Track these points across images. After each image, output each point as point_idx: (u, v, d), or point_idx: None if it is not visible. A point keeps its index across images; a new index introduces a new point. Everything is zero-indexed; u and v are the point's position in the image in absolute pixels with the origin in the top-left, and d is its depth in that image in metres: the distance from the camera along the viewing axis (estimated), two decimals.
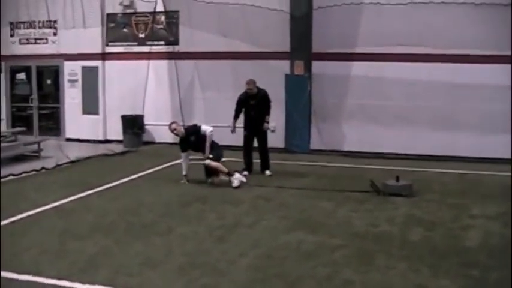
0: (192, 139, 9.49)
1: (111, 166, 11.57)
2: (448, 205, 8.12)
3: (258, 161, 10.59)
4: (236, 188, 9.13)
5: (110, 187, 9.35)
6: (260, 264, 5.58)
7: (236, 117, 10.39)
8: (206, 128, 9.54)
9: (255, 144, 10.47)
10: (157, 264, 5.61)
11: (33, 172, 10.66)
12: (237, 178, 9.26)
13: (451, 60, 11.95)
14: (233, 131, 10.36)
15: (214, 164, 9.39)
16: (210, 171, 9.47)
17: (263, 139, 10.39)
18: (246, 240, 6.37)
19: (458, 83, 11.99)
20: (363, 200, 8.40)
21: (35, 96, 15.82)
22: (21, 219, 7.30)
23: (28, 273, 5.28)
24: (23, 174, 10.40)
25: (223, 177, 9.36)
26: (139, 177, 10.32)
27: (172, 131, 9.68)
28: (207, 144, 9.46)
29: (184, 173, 9.54)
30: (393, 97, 12.56)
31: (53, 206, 8.02)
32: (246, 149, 10.44)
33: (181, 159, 9.77)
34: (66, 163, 11.69)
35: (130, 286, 5.04)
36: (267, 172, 10.32)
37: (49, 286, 5.04)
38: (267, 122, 10.26)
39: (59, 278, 5.17)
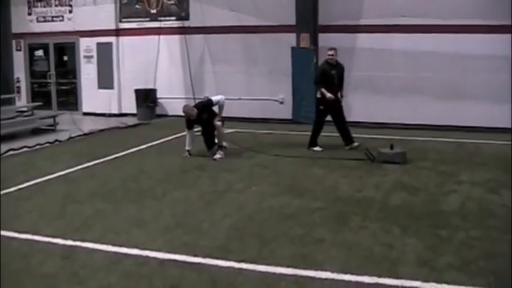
0: (204, 116, 9.40)
1: (122, 138, 12.03)
2: (438, 172, 8.33)
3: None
4: (215, 160, 9.26)
5: (117, 157, 9.80)
6: (240, 225, 5.95)
7: (323, 86, 9.81)
8: (218, 99, 9.54)
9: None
10: (145, 224, 6.04)
11: (47, 144, 11.16)
12: (222, 154, 9.39)
13: (455, 31, 11.97)
14: (331, 96, 9.73)
15: (222, 130, 9.50)
16: (211, 142, 9.66)
17: (341, 112, 10.12)
18: (232, 204, 6.75)
19: (462, 53, 12.01)
20: (356, 167, 8.67)
21: (52, 72, 16.36)
22: (29, 186, 7.80)
23: (27, 232, 5.78)
24: (37, 146, 10.89)
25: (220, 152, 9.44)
26: (146, 147, 10.76)
27: (186, 115, 9.52)
28: (221, 111, 9.51)
29: (187, 147, 9.59)
30: (398, 68, 12.68)
31: (60, 174, 8.50)
32: (320, 122, 10.10)
33: (187, 135, 9.73)
34: (80, 135, 12.19)
35: (116, 243, 5.46)
36: (354, 144, 10.05)
37: (44, 243, 5.52)
38: (342, 96, 10.12)
39: (54, 237, 5.66)
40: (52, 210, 6.62)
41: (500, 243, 5.30)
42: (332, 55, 9.91)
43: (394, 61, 12.69)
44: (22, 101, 16.43)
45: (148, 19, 15.04)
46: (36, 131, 12.76)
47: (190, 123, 9.55)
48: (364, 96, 13.08)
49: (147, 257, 5.12)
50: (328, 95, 9.81)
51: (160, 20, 14.85)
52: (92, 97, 15.79)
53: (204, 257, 5.07)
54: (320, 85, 9.89)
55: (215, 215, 6.31)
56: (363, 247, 5.24)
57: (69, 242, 5.51)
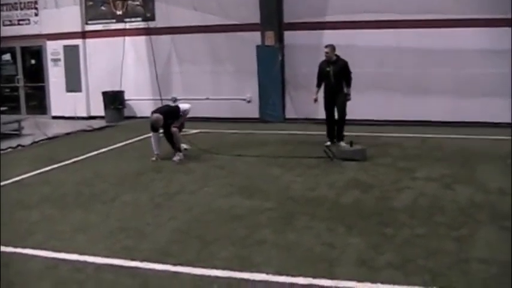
0: (169, 122, 9.32)
1: (85, 141, 11.87)
2: (397, 168, 8.30)
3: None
4: (176, 162, 9.16)
5: (76, 161, 9.67)
6: (185, 227, 5.86)
7: (318, 85, 10.08)
8: (186, 108, 9.62)
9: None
10: (89, 229, 5.95)
11: (9, 149, 10.98)
12: (180, 156, 9.30)
13: (418, 26, 11.96)
14: (316, 100, 10.06)
15: (179, 134, 9.51)
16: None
17: (340, 110, 9.91)
18: (181, 206, 6.66)
19: (427, 48, 12.00)
20: (314, 165, 8.60)
21: (20, 76, 16.14)
22: None
23: None
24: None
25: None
26: (108, 150, 10.63)
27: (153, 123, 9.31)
28: (184, 119, 9.63)
29: (156, 151, 9.35)
30: (364, 65, 12.58)
31: (15, 180, 8.35)
32: (327, 118, 10.16)
33: (152, 138, 9.46)
34: (43, 140, 12.01)
35: (56, 248, 5.36)
36: (342, 144, 9.76)
37: None
38: (348, 94, 9.88)
39: None
40: None
41: (445, 240, 5.26)
42: (327, 52, 9.84)
43: (359, 57, 12.61)
44: None
45: (114, 21, 14.89)
46: (2, 136, 12.52)
47: (155, 126, 9.40)
48: None
49: (85, 262, 5.04)
50: (314, 96, 9.95)
51: (126, 22, 14.68)
52: (61, 100, 15.59)
53: (142, 260, 4.99)
54: (317, 82, 10.05)
55: (161, 218, 6.22)
56: (304, 247, 5.18)
57: (9, 249, 5.40)
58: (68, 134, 12.76)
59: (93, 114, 15.34)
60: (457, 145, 9.95)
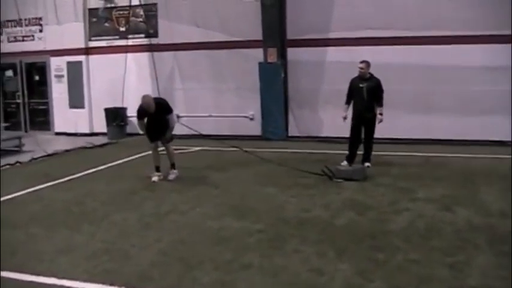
0: (157, 116, 8.79)
1: (85, 158, 11.74)
2: (396, 188, 8.07)
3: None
4: (170, 180, 8.97)
5: (71, 179, 9.51)
6: (170, 250, 5.67)
7: (347, 102, 9.62)
8: (174, 118, 9.37)
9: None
10: (73, 251, 5.77)
11: (7, 166, 10.88)
12: (175, 173, 9.14)
13: (421, 43, 11.78)
14: (345, 118, 9.59)
15: (171, 148, 9.24)
16: (154, 136, 9.07)
17: (369, 129, 9.51)
18: (170, 227, 6.48)
19: (430, 64, 11.81)
20: (311, 185, 8.39)
21: (20, 92, 16.13)
22: None
23: None
24: None
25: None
26: (105, 168, 10.49)
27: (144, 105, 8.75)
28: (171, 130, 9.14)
29: (156, 164, 9.08)
30: None
31: (7, 198, 8.20)
32: (352, 138, 9.66)
33: (138, 125, 9.19)
34: (43, 156, 11.91)
35: (35, 271, 5.18)
36: (366, 164, 9.47)
37: None
38: (381, 114, 9.37)
39: None
40: None
41: (439, 266, 5.01)
42: (362, 68, 9.37)
43: None
44: None
45: (117, 37, 14.84)
46: (2, 153, 12.45)
47: (142, 114, 8.88)
48: (335, 110, 12.60)
49: (62, 286, 4.87)
50: (343, 114, 9.55)
51: (129, 38, 14.63)
52: (64, 116, 15.54)
53: (121, 285, 4.79)
54: (347, 99, 9.60)
55: (147, 239, 6.03)
56: (291, 273, 4.96)
57: None
58: (67, 151, 12.64)
59: (95, 130, 15.25)
60: (460, 164, 9.72)
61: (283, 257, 5.37)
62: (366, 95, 9.33)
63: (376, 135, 12.16)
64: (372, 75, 9.46)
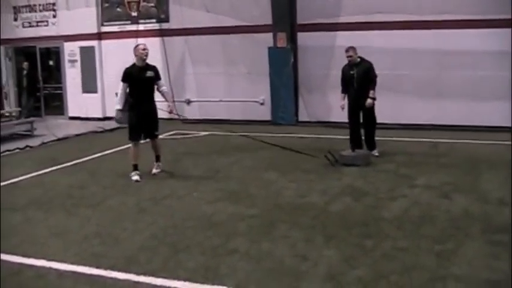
0: (148, 75, 8.17)
1: (94, 142, 11.86)
2: (397, 175, 7.99)
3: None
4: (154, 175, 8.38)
5: (76, 163, 9.63)
6: (161, 234, 5.71)
7: (343, 91, 9.35)
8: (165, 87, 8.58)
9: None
10: (66, 234, 5.85)
11: (17, 150, 11.05)
12: (160, 167, 8.54)
13: (432, 27, 11.57)
14: (343, 107, 9.33)
15: (159, 141, 8.64)
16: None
17: (369, 115, 9.20)
18: (164, 211, 6.51)
19: (441, 49, 11.59)
20: (312, 170, 8.35)
21: (39, 77, 16.34)
22: None
23: None
24: (7, 153, 10.78)
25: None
26: (112, 152, 10.58)
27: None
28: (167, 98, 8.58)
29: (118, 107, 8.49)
30: (377, 66, 12.19)
31: (11, 182, 8.34)
32: (350, 125, 9.43)
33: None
34: (53, 141, 12.07)
35: (26, 253, 5.27)
36: (374, 152, 9.20)
37: None
38: (372, 98, 9.04)
39: None
40: None
41: (426, 254, 4.94)
42: (350, 56, 9.10)
43: (372, 59, 12.25)
44: (12, 106, 16.41)
45: (129, 22, 14.89)
46: (15, 137, 12.66)
47: (128, 72, 8.24)
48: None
49: (49, 268, 4.93)
50: (341, 103, 9.35)
51: (141, 23, 14.67)
52: (77, 101, 15.72)
53: (106, 269, 4.85)
54: (342, 88, 9.39)
55: (140, 224, 6.08)
56: (275, 259, 4.95)
57: None
58: (77, 135, 12.78)
59: (108, 115, 15.34)
60: (467, 150, 9.57)
61: (270, 242, 5.36)
62: (357, 82, 9.08)
63: (384, 120, 12.09)
64: (362, 58, 9.20)
